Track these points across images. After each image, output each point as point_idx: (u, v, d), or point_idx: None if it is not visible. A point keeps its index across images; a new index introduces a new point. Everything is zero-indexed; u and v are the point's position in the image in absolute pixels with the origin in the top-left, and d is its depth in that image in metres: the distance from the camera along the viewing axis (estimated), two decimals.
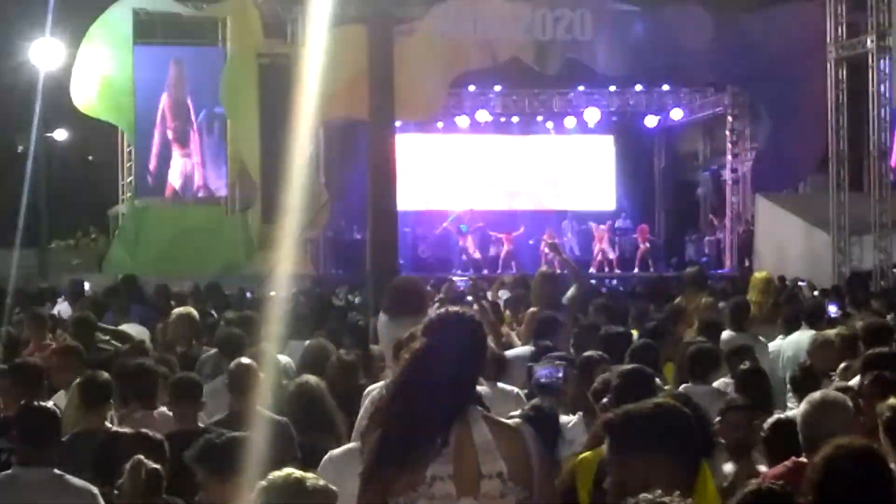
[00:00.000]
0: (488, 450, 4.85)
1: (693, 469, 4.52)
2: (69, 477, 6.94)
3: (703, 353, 9.65)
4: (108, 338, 12.33)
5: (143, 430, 7.31)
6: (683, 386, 9.21)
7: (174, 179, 32.23)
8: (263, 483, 4.04)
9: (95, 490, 6.86)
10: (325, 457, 7.46)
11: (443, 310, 5.25)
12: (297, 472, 4.16)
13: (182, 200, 32.73)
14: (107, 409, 8.48)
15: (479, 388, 8.78)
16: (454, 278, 24.91)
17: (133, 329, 13.49)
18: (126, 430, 7.56)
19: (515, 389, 9.35)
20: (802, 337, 12.40)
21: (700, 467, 4.61)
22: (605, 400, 7.37)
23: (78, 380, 8.85)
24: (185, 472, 6.21)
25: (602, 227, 37.68)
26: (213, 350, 11.57)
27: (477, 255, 36.62)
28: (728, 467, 7.51)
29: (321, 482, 4.26)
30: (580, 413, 7.37)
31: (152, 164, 32.14)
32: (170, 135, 32.05)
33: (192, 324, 12.99)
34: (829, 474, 4.70)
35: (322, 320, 13.98)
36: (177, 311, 13.46)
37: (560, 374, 6.54)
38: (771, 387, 9.03)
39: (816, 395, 6.61)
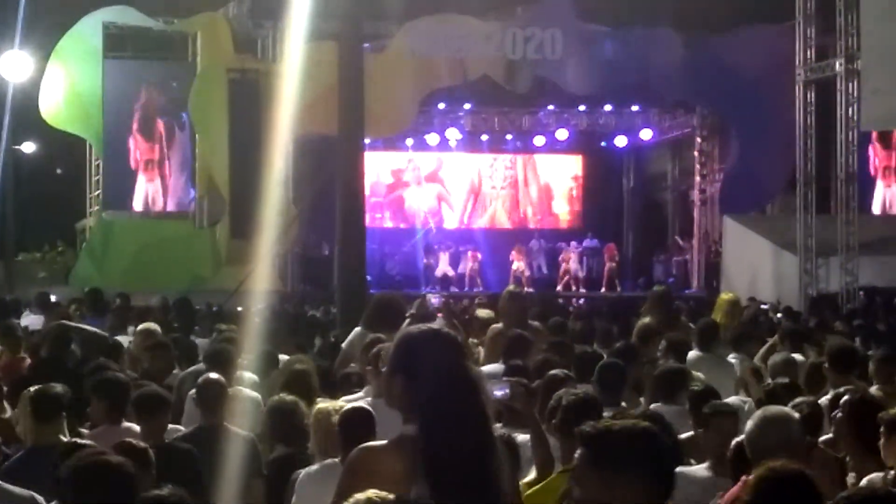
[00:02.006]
0: None
1: (664, 492, 4.50)
2: (8, 486, 6.85)
3: (672, 373, 9.69)
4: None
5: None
6: (654, 405, 9.23)
7: (139, 197, 32.24)
8: None
9: (40, 498, 6.79)
10: (303, 473, 7.45)
11: (425, 327, 5.13)
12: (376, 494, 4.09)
13: (149, 215, 32.66)
14: (60, 423, 8.38)
15: None
16: (429, 295, 24.84)
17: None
18: (85, 441, 7.49)
19: None
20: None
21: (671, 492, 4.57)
22: (553, 421, 7.39)
23: (30, 391, 8.75)
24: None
25: (571, 246, 37.67)
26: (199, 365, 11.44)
27: (450, 272, 36.56)
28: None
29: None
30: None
31: (120, 179, 32.09)
32: (138, 151, 32.05)
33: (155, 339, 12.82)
34: (761, 496, 4.71)
35: (291, 336, 13.93)
36: (141, 326, 13.36)
37: (506, 392, 6.48)
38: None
39: (759, 411, 6.64)
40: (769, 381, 10.58)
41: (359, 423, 7.41)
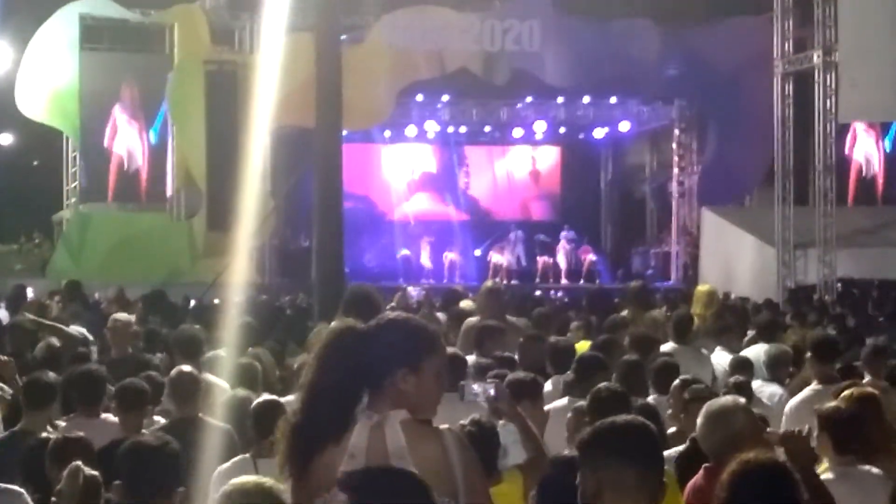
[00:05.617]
0: (401, 456, 4.73)
1: (659, 481, 4.62)
2: None
3: (668, 366, 9.74)
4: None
5: (70, 434, 7.23)
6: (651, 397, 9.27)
7: (117, 184, 32.16)
8: (227, 488, 4.01)
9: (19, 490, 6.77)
10: (217, 471, 7.45)
11: (383, 315, 5.20)
12: (256, 478, 4.13)
13: (125, 205, 32.55)
14: (50, 411, 8.39)
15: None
16: (409, 288, 24.88)
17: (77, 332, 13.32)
18: (55, 435, 7.48)
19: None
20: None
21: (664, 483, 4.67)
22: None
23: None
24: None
25: (562, 236, 37.57)
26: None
27: (428, 263, 36.49)
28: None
29: (270, 483, 4.24)
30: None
31: (97, 171, 31.97)
32: (117, 141, 31.93)
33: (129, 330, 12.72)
34: (736, 491, 4.64)
35: (270, 330, 13.88)
36: (114, 316, 13.28)
37: (491, 392, 6.51)
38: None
39: (704, 407, 6.65)
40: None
41: (270, 416, 7.51)
